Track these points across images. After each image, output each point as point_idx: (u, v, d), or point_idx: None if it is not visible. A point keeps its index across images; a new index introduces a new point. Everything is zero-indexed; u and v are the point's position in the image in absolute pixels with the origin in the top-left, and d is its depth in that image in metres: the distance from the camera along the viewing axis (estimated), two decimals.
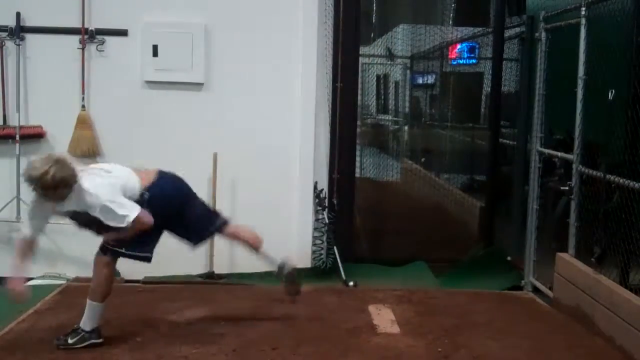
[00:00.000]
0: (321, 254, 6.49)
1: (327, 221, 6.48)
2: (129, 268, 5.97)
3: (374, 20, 10.14)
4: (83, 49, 6.26)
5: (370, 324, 4.89)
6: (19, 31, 6.22)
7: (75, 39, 6.25)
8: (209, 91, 6.40)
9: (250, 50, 6.34)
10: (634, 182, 4.48)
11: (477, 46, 9.79)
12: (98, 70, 6.31)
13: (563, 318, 5.13)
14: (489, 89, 7.67)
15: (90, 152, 6.27)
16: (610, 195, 5.07)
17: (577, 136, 5.27)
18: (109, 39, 6.30)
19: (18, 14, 6.22)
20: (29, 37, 6.27)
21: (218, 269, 6.31)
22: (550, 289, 5.60)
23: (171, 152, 6.31)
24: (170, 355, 4.21)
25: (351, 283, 6.08)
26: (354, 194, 6.91)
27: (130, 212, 3.95)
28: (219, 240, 6.29)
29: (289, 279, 4.74)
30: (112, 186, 3.98)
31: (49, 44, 6.28)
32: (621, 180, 4.68)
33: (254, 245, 4.68)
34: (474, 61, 10.05)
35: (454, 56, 10.11)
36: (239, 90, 6.37)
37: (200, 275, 6.27)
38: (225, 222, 4.61)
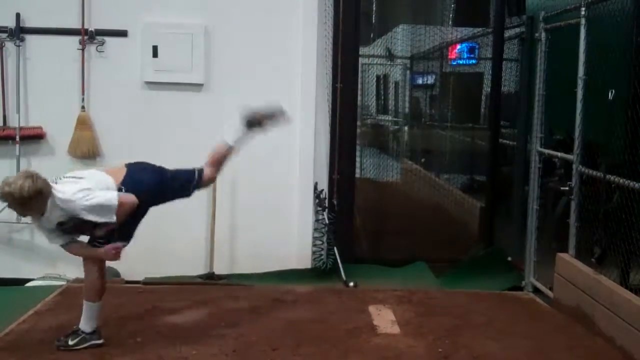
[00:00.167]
0: (321, 255, 6.49)
1: (327, 222, 6.48)
2: (129, 269, 6.01)
3: (373, 21, 10.16)
4: (83, 49, 6.26)
5: (370, 324, 4.89)
6: (18, 32, 6.22)
7: (75, 40, 6.26)
8: (208, 92, 6.40)
9: (250, 50, 6.34)
10: (634, 182, 4.49)
11: (477, 46, 9.80)
12: (98, 71, 6.31)
13: (563, 318, 5.13)
14: (489, 89, 7.67)
15: (90, 153, 6.28)
16: (610, 196, 5.07)
17: (577, 136, 5.27)
18: (108, 40, 6.30)
19: (18, 15, 6.22)
20: (28, 38, 6.27)
21: (218, 270, 6.31)
22: (551, 289, 5.60)
23: (171, 153, 6.27)
24: (171, 356, 4.20)
25: (351, 283, 6.08)
26: (354, 194, 6.91)
27: (112, 201, 3.97)
28: (219, 241, 6.33)
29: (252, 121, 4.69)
30: (86, 188, 3.99)
31: (49, 45, 6.28)
32: (621, 181, 4.68)
33: (231, 152, 4.65)
34: (473, 61, 10.06)
35: (454, 56, 10.13)
36: (238, 90, 6.36)
37: (200, 276, 6.27)
38: (201, 171, 4.58)
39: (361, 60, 7.63)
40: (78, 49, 6.26)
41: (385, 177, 9.37)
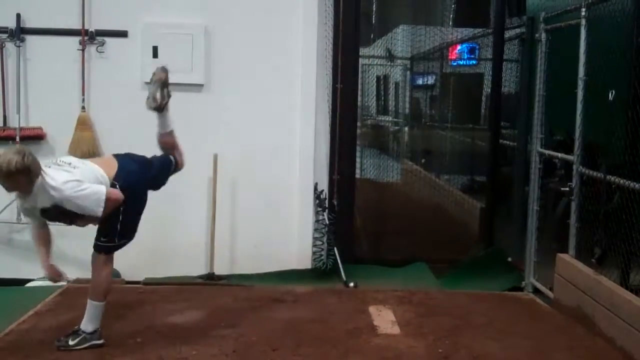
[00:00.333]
0: (321, 255, 6.49)
1: (327, 222, 6.48)
2: (129, 269, 6.01)
3: (374, 21, 10.15)
4: (83, 50, 6.26)
5: (370, 324, 4.89)
6: (19, 32, 6.22)
7: (75, 40, 6.25)
8: (209, 92, 6.40)
9: (250, 51, 6.34)
10: (635, 183, 4.49)
11: (477, 47, 9.80)
12: (98, 72, 6.31)
13: (563, 319, 5.13)
14: (489, 90, 7.68)
15: (91, 153, 6.25)
16: (610, 196, 5.07)
17: (578, 137, 5.27)
18: (109, 40, 6.30)
19: (18, 16, 6.22)
20: (29, 38, 6.27)
21: (218, 270, 6.31)
22: (551, 289, 5.60)
23: None
24: (171, 356, 4.20)
25: (351, 284, 6.08)
26: (354, 195, 6.91)
27: (100, 195, 3.97)
28: (219, 242, 6.32)
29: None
30: (78, 179, 3.99)
31: (49, 46, 6.27)
32: (621, 181, 4.68)
33: (172, 134, 4.70)
34: (474, 62, 10.06)
35: (454, 57, 10.13)
36: (239, 91, 6.37)
37: (200, 277, 6.27)
38: (175, 160, 4.64)
39: (361, 61, 7.62)
40: (78, 50, 6.26)
41: (385, 178, 9.37)
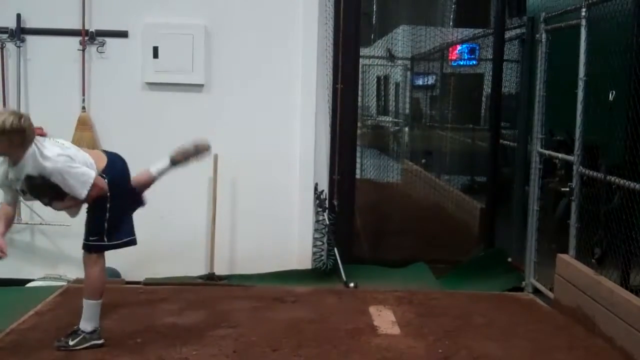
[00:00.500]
0: (322, 255, 6.49)
1: (327, 222, 6.48)
2: (130, 270, 6.02)
3: (374, 22, 10.15)
4: (83, 50, 6.26)
5: (370, 325, 4.89)
6: (19, 33, 6.22)
7: (75, 41, 6.26)
8: (209, 93, 6.40)
9: (250, 51, 6.35)
10: (635, 183, 4.49)
11: (477, 47, 9.80)
12: (98, 72, 6.32)
13: (563, 319, 5.13)
14: (490, 90, 7.68)
15: None
16: (610, 197, 5.07)
17: (578, 137, 5.27)
18: (109, 41, 6.30)
19: (18, 16, 6.22)
20: (29, 38, 6.27)
21: (218, 271, 6.31)
22: (551, 290, 5.60)
23: None
24: (171, 357, 4.20)
25: (352, 284, 6.08)
26: (354, 195, 6.91)
27: (89, 177, 3.98)
28: (219, 242, 6.32)
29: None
30: (70, 156, 4.00)
31: (50, 46, 6.28)
32: (622, 181, 4.68)
33: (151, 182, 4.56)
34: (474, 62, 10.06)
35: (455, 57, 10.13)
36: (239, 91, 6.37)
37: (200, 277, 6.27)
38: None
39: (362, 61, 7.62)
40: (78, 50, 6.26)
41: (385, 178, 9.37)
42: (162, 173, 4.54)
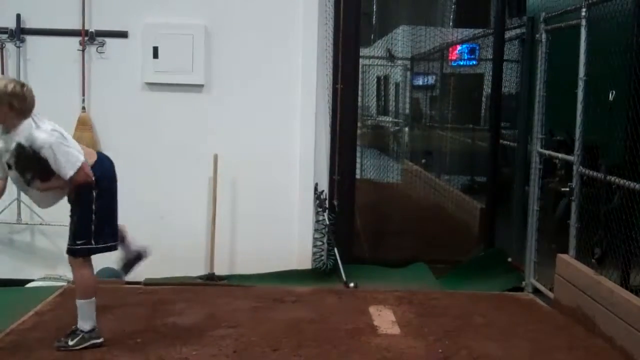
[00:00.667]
0: (322, 255, 6.49)
1: (327, 222, 6.48)
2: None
3: (374, 22, 10.15)
4: (83, 50, 6.27)
5: (370, 325, 4.89)
6: (19, 33, 6.22)
7: (75, 41, 6.26)
8: (209, 93, 6.40)
9: (250, 51, 6.35)
10: (635, 183, 4.49)
11: (477, 47, 9.81)
12: (98, 72, 6.32)
13: (563, 319, 5.13)
14: (490, 90, 7.68)
15: None
16: (610, 197, 5.07)
17: (578, 137, 5.27)
18: (109, 41, 6.30)
19: (18, 16, 6.22)
20: (29, 38, 6.27)
21: (218, 271, 6.31)
22: (551, 290, 5.60)
23: (171, 154, 6.32)
24: (171, 357, 4.20)
25: (352, 284, 6.08)
26: (354, 195, 6.91)
27: (77, 160, 3.99)
28: (219, 242, 6.33)
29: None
30: (64, 135, 4.04)
31: (50, 46, 6.28)
32: (622, 181, 4.68)
33: None
34: (474, 62, 10.07)
35: (454, 57, 10.14)
36: (239, 91, 6.37)
37: (200, 277, 6.27)
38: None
39: (362, 61, 7.63)
40: (78, 50, 6.26)
41: (385, 178, 9.38)
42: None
